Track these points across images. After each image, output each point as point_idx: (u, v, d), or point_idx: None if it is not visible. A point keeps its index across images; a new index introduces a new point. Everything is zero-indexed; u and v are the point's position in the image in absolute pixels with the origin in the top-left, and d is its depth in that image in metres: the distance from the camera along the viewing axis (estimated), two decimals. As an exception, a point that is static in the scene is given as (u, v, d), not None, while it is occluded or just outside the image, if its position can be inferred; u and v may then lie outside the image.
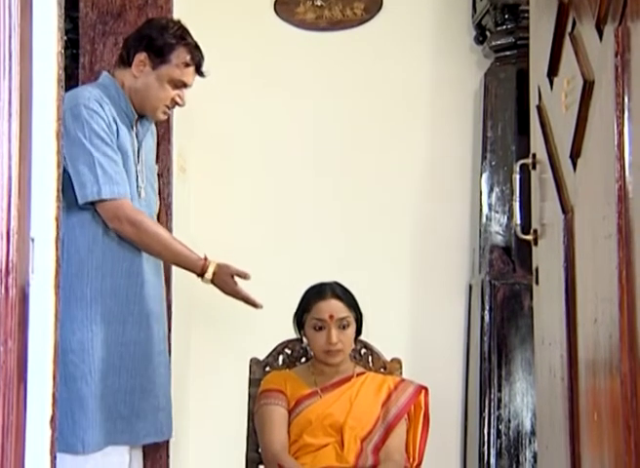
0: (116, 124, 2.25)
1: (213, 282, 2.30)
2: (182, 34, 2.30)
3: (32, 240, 1.20)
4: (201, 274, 2.29)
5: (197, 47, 2.32)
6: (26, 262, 1.17)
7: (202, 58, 2.34)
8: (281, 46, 3.24)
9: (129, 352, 2.27)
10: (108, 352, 2.22)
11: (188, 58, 2.29)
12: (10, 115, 1.12)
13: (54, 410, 1.27)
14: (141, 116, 2.35)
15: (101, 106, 2.22)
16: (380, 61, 3.23)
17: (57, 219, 1.30)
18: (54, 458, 1.27)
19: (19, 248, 1.12)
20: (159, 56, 2.27)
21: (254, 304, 2.36)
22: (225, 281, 2.31)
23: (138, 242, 2.27)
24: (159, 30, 2.29)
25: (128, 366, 2.27)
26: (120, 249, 2.25)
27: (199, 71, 2.34)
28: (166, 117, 2.40)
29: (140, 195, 2.31)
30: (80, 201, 2.19)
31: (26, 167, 1.18)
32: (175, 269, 2.74)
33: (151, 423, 2.32)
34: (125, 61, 2.31)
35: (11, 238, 1.10)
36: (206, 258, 2.30)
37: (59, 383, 1.28)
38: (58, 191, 1.31)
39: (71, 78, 2.74)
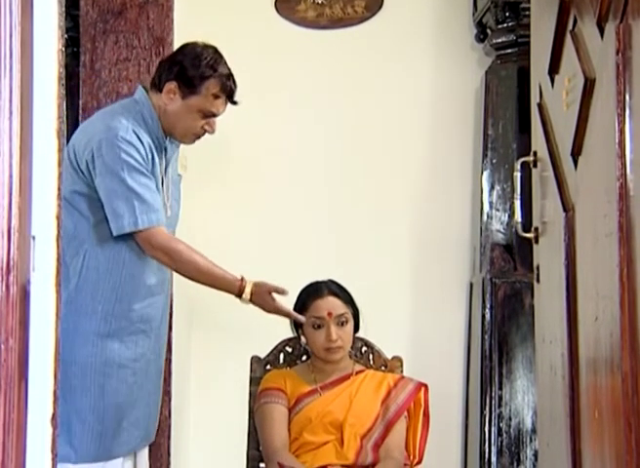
0: (152, 151, 2.24)
1: (252, 301, 2.29)
2: (215, 65, 2.26)
3: (33, 238, 1.20)
4: (238, 294, 2.28)
5: (229, 76, 2.28)
6: (27, 260, 1.17)
7: (234, 87, 2.29)
8: (281, 44, 3.24)
9: (134, 368, 2.26)
10: (113, 368, 2.22)
11: (218, 89, 2.26)
12: (11, 113, 1.11)
13: (55, 409, 1.26)
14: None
15: (138, 136, 2.20)
16: (380, 60, 3.23)
17: (57, 218, 1.30)
18: (55, 456, 1.27)
19: (19, 246, 1.11)
20: (189, 86, 2.24)
21: (296, 319, 2.37)
22: (264, 299, 2.30)
23: (173, 269, 2.31)
24: (192, 59, 2.25)
25: (133, 381, 2.26)
26: (140, 274, 2.25)
27: (231, 100, 2.30)
28: (194, 142, 2.37)
29: (166, 213, 2.29)
30: (115, 232, 2.18)
31: (27, 165, 1.18)
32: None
33: (145, 430, 2.34)
34: (156, 86, 2.28)
35: (12, 236, 1.10)
36: (242, 279, 2.28)
37: (58, 395, 1.28)
38: (59, 189, 1.31)
39: (72, 76, 2.74)
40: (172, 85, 2.25)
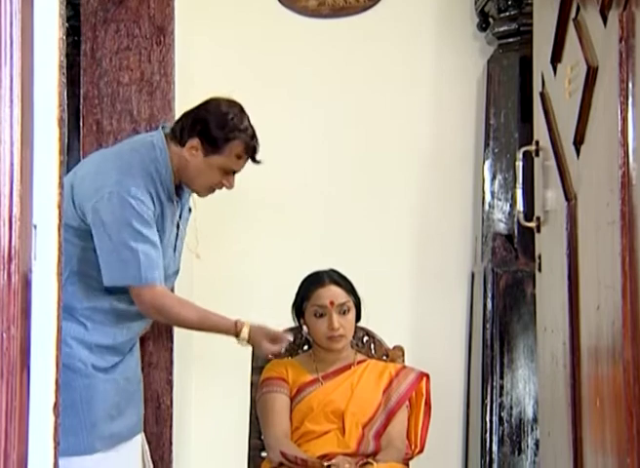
0: (161, 204, 2.22)
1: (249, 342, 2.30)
2: (240, 125, 2.23)
3: (35, 226, 1.20)
4: (236, 336, 2.29)
5: (253, 136, 2.26)
6: (29, 249, 1.17)
7: (257, 146, 2.27)
8: (283, 33, 3.22)
9: (117, 353, 2.25)
10: (97, 356, 2.20)
11: (241, 149, 2.24)
12: (11, 101, 1.11)
13: (57, 397, 1.27)
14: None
15: (150, 193, 2.19)
16: (382, 49, 3.21)
17: (59, 207, 1.30)
18: (57, 445, 1.27)
19: (21, 234, 1.11)
20: (212, 145, 2.22)
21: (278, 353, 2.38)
22: (259, 343, 2.29)
23: (167, 323, 2.41)
24: (217, 119, 2.22)
25: (116, 368, 2.25)
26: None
27: (253, 159, 2.29)
28: (208, 195, 2.36)
29: (168, 270, 2.28)
30: (110, 283, 2.17)
31: (28, 153, 1.18)
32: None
33: (137, 417, 2.33)
34: (177, 139, 2.25)
35: (13, 224, 1.10)
36: (236, 324, 2.28)
37: (60, 383, 1.28)
38: (60, 178, 1.31)
39: (73, 65, 2.73)
40: (194, 142, 2.22)
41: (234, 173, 2.29)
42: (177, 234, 2.33)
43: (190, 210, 2.43)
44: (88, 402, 2.18)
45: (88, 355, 2.19)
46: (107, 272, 2.17)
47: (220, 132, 2.22)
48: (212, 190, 2.32)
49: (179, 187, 2.30)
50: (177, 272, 2.40)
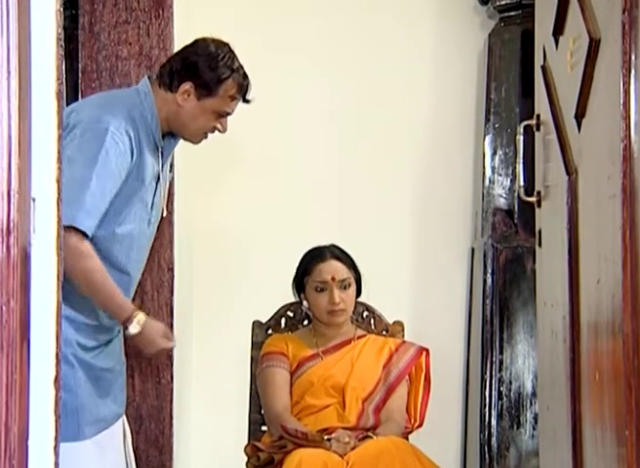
0: (141, 152, 2.15)
1: (141, 333, 2.12)
2: (231, 65, 2.19)
3: (33, 200, 1.19)
4: (125, 321, 2.11)
5: (245, 76, 2.22)
6: (28, 222, 1.17)
7: (249, 85, 2.23)
8: (283, 6, 3.19)
9: (105, 335, 2.21)
10: (84, 334, 2.15)
11: (235, 90, 2.19)
12: (9, 73, 1.10)
13: (57, 371, 1.27)
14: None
15: (129, 136, 2.11)
16: (383, 22, 3.19)
17: (58, 181, 1.29)
18: (58, 418, 1.28)
19: (20, 207, 1.11)
20: (205, 88, 2.17)
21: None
22: (153, 336, 2.14)
23: (69, 275, 2.01)
24: (207, 60, 2.17)
25: (108, 350, 2.21)
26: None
27: (245, 99, 2.24)
28: (201, 142, 2.31)
29: (149, 222, 2.20)
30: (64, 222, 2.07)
31: (26, 126, 1.17)
32: (177, 230, 2.74)
33: (120, 401, 2.29)
34: (167, 85, 2.19)
35: (12, 197, 1.09)
36: (133, 308, 2.14)
37: (60, 357, 1.28)
38: (59, 152, 1.30)
39: (71, 39, 2.71)
40: (187, 86, 2.17)
41: (228, 115, 2.25)
42: (155, 188, 2.23)
43: (172, 168, 2.37)
44: (70, 388, 2.10)
45: (74, 334, 2.12)
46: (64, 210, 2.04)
47: (212, 73, 2.17)
48: (205, 136, 2.27)
49: (164, 137, 2.23)
50: (151, 237, 2.27)
